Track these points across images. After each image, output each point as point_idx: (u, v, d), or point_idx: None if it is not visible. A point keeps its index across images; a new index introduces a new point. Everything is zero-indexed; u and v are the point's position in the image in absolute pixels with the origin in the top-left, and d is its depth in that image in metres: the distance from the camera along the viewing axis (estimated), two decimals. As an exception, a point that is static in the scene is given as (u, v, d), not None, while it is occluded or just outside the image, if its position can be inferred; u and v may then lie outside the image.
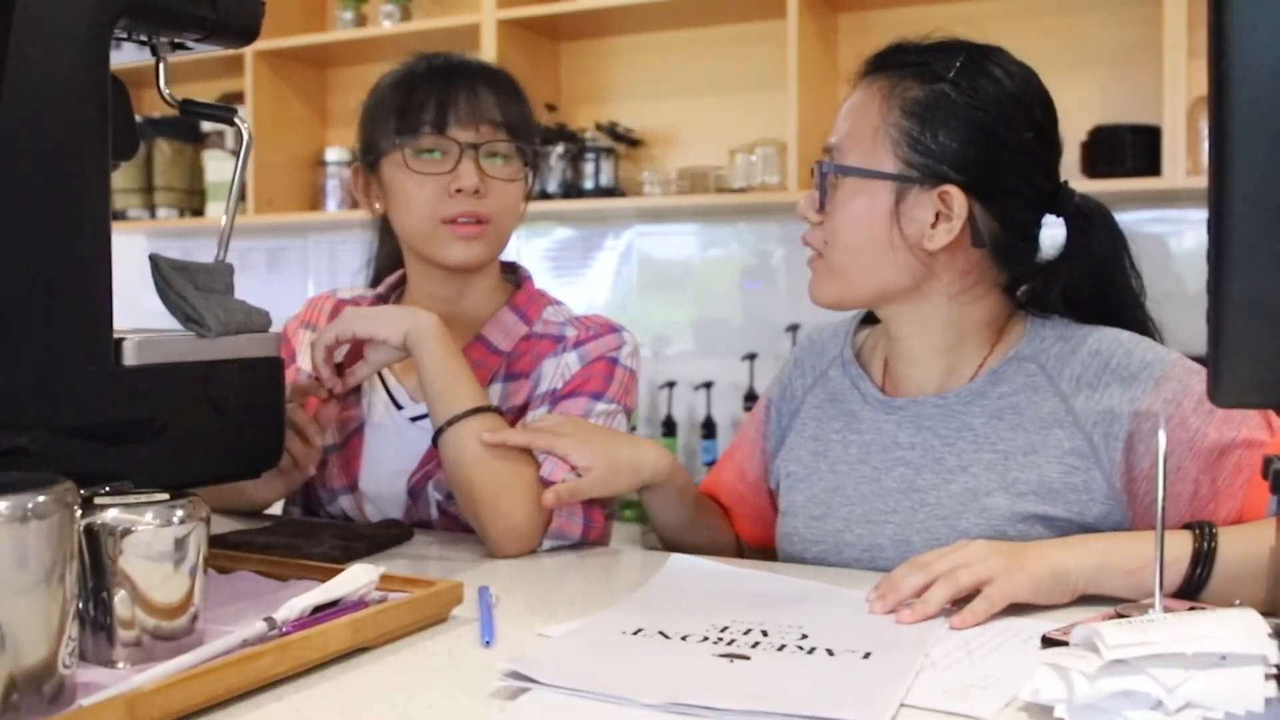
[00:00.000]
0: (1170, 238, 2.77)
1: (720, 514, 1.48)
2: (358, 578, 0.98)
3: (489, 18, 3.13)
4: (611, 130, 3.17)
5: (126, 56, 1.08)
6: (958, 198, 1.19)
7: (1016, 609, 1.02)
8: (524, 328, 1.48)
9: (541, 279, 1.60)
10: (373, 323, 1.35)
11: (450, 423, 1.30)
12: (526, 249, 3.38)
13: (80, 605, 0.80)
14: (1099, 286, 1.25)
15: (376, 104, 1.47)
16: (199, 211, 3.73)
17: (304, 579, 1.07)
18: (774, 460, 1.41)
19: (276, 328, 1.16)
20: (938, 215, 1.20)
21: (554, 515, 1.32)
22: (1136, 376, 1.17)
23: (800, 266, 1.30)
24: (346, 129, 3.54)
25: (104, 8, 0.96)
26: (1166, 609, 0.87)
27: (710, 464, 3.02)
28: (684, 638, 0.95)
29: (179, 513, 0.87)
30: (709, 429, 3.14)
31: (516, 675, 0.84)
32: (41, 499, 0.74)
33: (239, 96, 3.49)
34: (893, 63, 1.24)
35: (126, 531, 0.85)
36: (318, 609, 0.94)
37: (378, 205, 1.50)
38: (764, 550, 1.45)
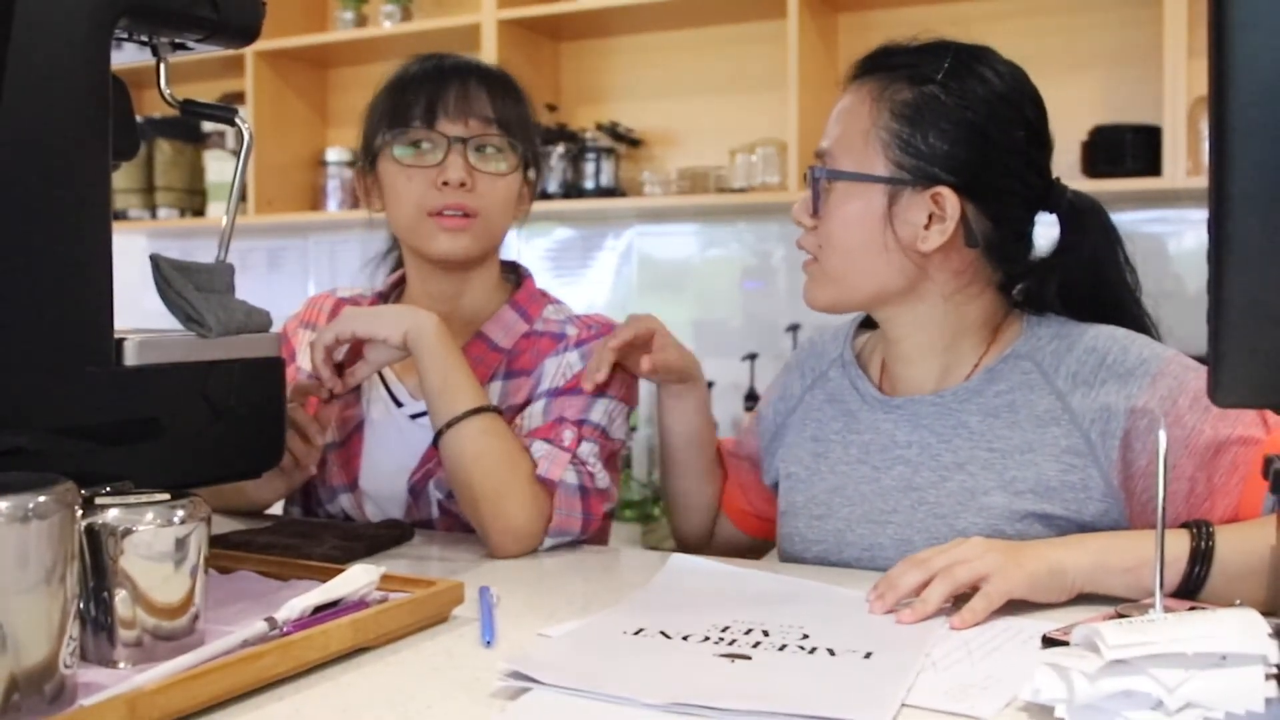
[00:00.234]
0: (1170, 238, 2.77)
1: (718, 465, 1.52)
2: (358, 578, 0.98)
3: (489, 18, 3.13)
4: (612, 130, 3.17)
5: (126, 56, 1.08)
6: (950, 199, 1.19)
7: (1016, 609, 1.02)
8: (524, 325, 1.49)
9: (542, 279, 1.60)
10: (372, 322, 1.35)
11: (450, 424, 1.30)
12: (526, 249, 3.38)
13: (81, 605, 0.80)
14: (1094, 282, 1.25)
15: (374, 104, 1.49)
16: (199, 212, 3.74)
17: (305, 579, 1.07)
18: (770, 455, 1.42)
19: (276, 327, 1.16)
20: (931, 217, 1.20)
21: (553, 513, 1.32)
22: (1133, 373, 1.17)
23: (800, 267, 1.30)
24: (347, 129, 3.56)
25: (104, 8, 0.96)
26: (1167, 609, 0.87)
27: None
28: (685, 638, 0.96)
29: (180, 513, 0.87)
30: (709, 429, 3.14)
31: (517, 675, 0.84)
32: (42, 499, 0.74)
33: (239, 96, 3.49)
34: (881, 65, 1.24)
35: (127, 531, 0.85)
36: (318, 609, 0.94)
37: (377, 204, 1.50)
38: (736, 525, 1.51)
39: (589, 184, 3.14)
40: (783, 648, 0.93)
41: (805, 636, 0.96)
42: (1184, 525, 1.08)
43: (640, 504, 2.99)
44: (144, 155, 3.65)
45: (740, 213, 3.16)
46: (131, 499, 0.87)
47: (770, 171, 2.95)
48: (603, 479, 1.36)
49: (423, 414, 1.43)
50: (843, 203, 1.23)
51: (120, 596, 0.85)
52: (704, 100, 3.21)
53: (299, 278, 3.76)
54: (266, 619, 0.90)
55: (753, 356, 3.08)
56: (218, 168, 3.69)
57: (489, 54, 3.07)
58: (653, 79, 3.27)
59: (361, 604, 0.97)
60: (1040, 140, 1.24)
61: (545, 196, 3.09)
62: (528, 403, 1.43)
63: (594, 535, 1.40)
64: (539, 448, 1.34)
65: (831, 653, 0.92)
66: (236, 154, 1.17)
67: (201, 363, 1.05)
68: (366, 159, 1.49)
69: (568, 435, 1.35)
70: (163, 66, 1.11)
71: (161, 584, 0.86)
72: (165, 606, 0.87)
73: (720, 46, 3.17)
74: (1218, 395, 0.77)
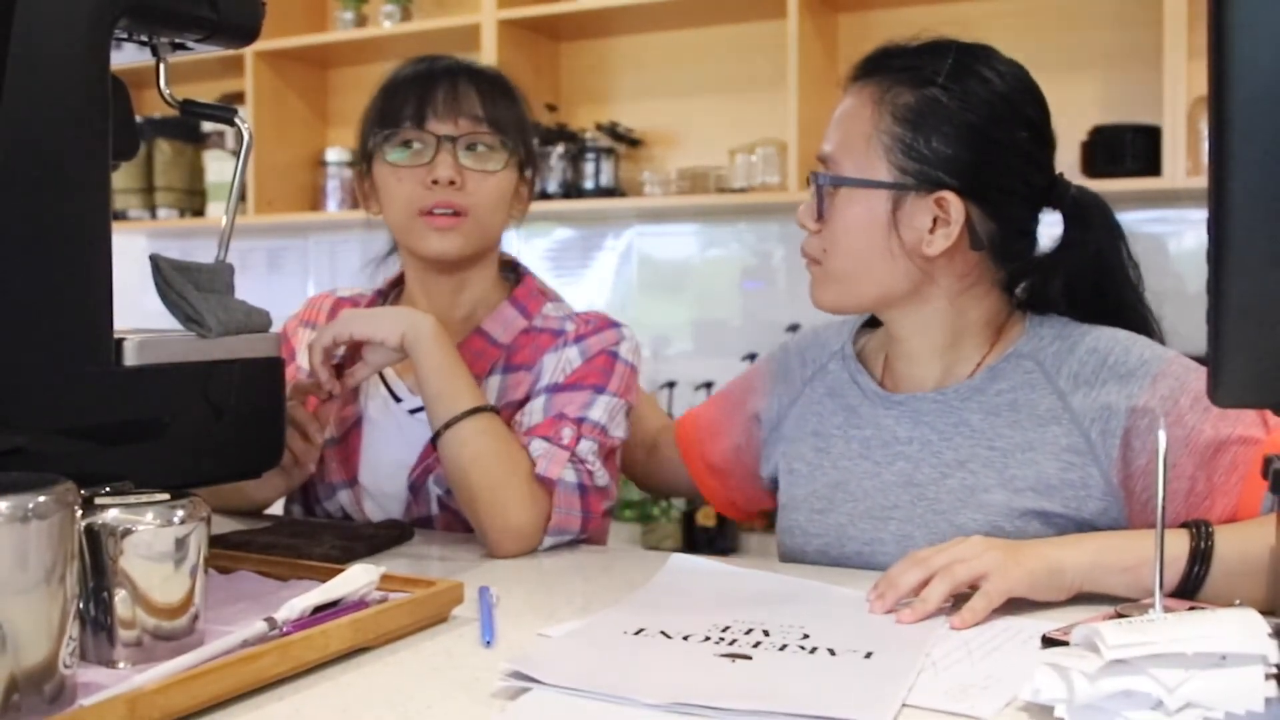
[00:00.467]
0: (1170, 238, 2.77)
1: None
2: (358, 578, 0.98)
3: (489, 18, 3.13)
4: (611, 130, 3.17)
5: (126, 56, 1.08)
6: (954, 203, 1.19)
7: (1016, 609, 1.02)
8: (523, 321, 1.49)
9: (541, 279, 1.60)
10: (370, 324, 1.35)
11: (449, 424, 1.30)
12: (526, 249, 3.38)
13: (81, 605, 0.80)
14: (1098, 278, 1.25)
15: (368, 108, 1.49)
16: (199, 212, 3.73)
17: (304, 579, 1.07)
18: (770, 447, 1.41)
19: (276, 327, 1.16)
20: (935, 221, 1.20)
21: (553, 512, 1.32)
22: (1134, 373, 1.17)
23: (800, 267, 1.30)
24: (346, 129, 3.56)
25: (104, 8, 0.96)
26: (1166, 608, 0.87)
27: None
28: (685, 637, 0.96)
29: (179, 513, 0.87)
30: (709, 429, 3.13)
31: (517, 675, 0.84)
32: (42, 499, 0.74)
33: (239, 97, 3.49)
34: (882, 67, 1.24)
35: (127, 531, 0.85)
36: (318, 609, 0.94)
37: (375, 207, 1.50)
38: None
39: (589, 184, 3.14)
40: (783, 647, 0.93)
41: (806, 636, 0.96)
42: (1183, 525, 1.08)
43: (640, 504, 2.99)
44: (144, 155, 3.65)
45: (740, 213, 3.16)
46: (131, 499, 0.87)
47: (770, 171, 2.95)
48: (602, 477, 1.36)
49: (421, 409, 1.43)
50: (846, 208, 1.22)
51: (120, 596, 0.85)
52: (704, 100, 3.20)
53: (299, 278, 3.76)
54: (266, 619, 0.90)
55: (752, 356, 3.08)
56: (217, 168, 3.69)
57: (489, 54, 3.07)
58: (653, 79, 3.27)
59: (361, 604, 0.97)
60: (1043, 138, 1.24)
61: (545, 196, 3.09)
62: (527, 398, 1.43)
63: (593, 534, 1.40)
64: (538, 446, 1.34)
65: (832, 653, 0.92)
66: (236, 154, 1.17)
67: (201, 363, 1.05)
68: (363, 161, 1.50)
69: (567, 433, 1.35)
70: (162, 66, 1.11)
71: (161, 584, 0.86)
72: (165, 606, 0.87)
73: (720, 46, 3.17)
74: (1218, 395, 0.78)
